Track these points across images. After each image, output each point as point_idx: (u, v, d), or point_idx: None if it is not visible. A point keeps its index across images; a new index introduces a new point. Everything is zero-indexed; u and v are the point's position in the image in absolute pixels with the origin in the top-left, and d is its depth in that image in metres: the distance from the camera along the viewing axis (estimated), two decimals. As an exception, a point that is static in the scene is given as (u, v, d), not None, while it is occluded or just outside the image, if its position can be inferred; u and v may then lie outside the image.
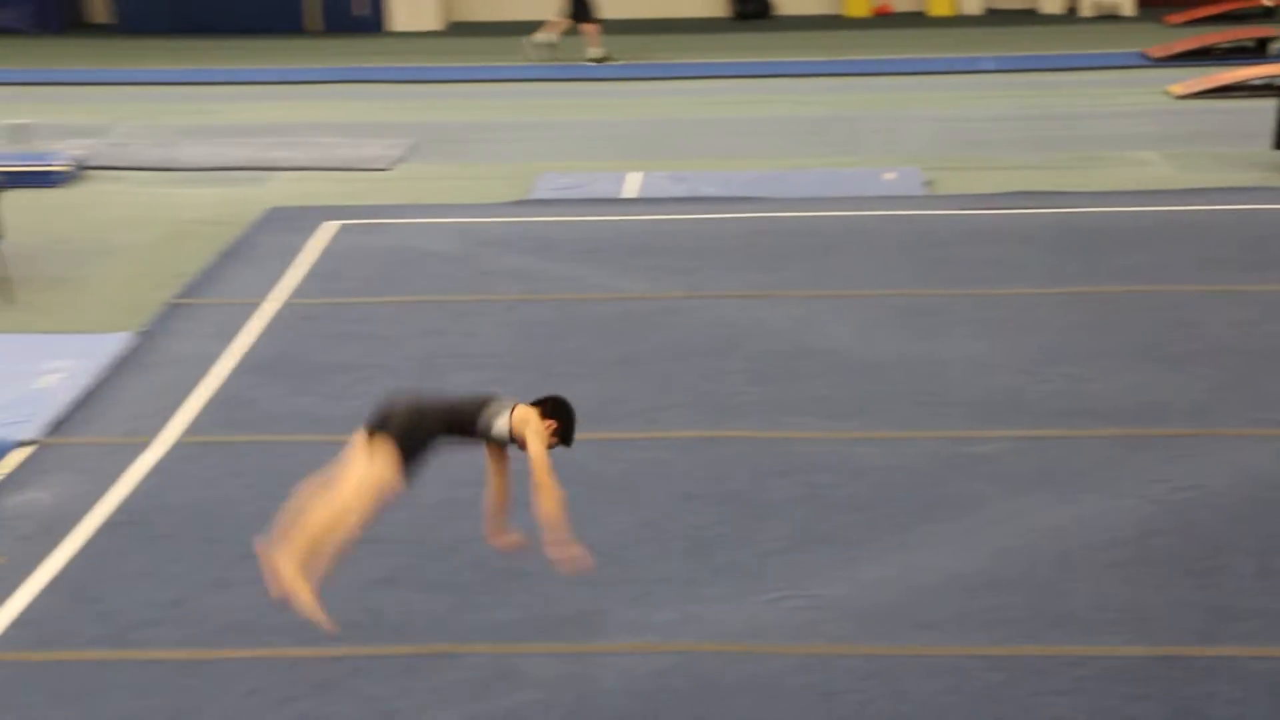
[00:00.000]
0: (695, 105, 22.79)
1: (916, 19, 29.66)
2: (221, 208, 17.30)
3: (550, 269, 14.93)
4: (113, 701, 8.28)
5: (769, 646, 8.66)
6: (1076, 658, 8.47)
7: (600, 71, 25.41)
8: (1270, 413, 11.47)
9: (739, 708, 8.14)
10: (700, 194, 17.45)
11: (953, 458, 10.87)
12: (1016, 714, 8.03)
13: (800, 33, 28.44)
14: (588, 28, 25.80)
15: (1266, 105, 19.82)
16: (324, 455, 10.66)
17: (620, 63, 25.73)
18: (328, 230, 16.24)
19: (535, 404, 8.01)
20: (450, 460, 8.60)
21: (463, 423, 7.92)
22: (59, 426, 11.65)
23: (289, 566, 7.84)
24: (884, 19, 29.92)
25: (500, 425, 7.91)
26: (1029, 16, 29.59)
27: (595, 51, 25.80)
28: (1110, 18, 29.23)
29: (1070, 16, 29.62)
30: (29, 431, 11.49)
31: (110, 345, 13.08)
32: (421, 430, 7.85)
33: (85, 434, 11.57)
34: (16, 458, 11.17)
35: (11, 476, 10.90)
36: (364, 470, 7.79)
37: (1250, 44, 24.88)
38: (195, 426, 11.63)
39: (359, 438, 7.89)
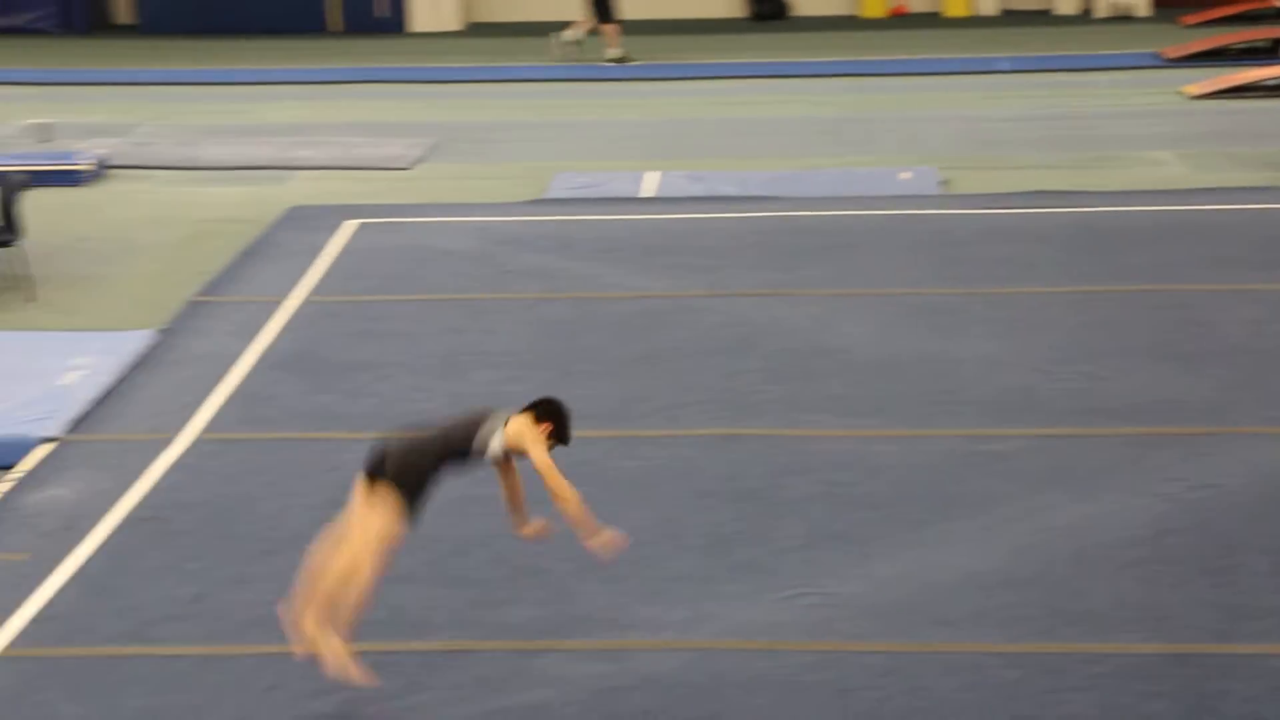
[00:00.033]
0: (712, 105, 22.82)
1: (932, 19, 29.64)
2: (243, 206, 17.37)
3: (569, 267, 14.98)
4: (132, 697, 8.33)
5: (785, 643, 8.69)
6: (1093, 655, 8.50)
7: (618, 72, 25.45)
8: (1285, 412, 11.51)
9: (755, 704, 8.18)
10: (718, 193, 17.49)
11: (969, 456, 10.90)
12: (1033, 711, 8.06)
13: (816, 33, 28.43)
14: (607, 28, 25.84)
15: (1282, 105, 19.86)
16: (344, 452, 10.80)
17: (638, 63, 25.76)
18: (348, 229, 16.30)
19: (526, 410, 8.05)
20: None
21: (459, 449, 7.95)
22: (81, 423, 11.72)
23: (312, 627, 7.95)
24: (900, 19, 29.89)
25: (495, 445, 7.95)
26: (1044, 17, 29.55)
27: (614, 52, 25.83)
28: (1125, 18, 29.19)
29: (1085, 17, 29.58)
30: (51, 428, 11.56)
31: (132, 343, 13.15)
32: (419, 468, 7.89)
33: (107, 431, 11.64)
34: (39, 454, 11.24)
35: (34, 473, 10.96)
36: (368, 525, 7.83)
37: (1265, 44, 24.82)
38: (216, 423, 11.70)
39: (359, 486, 7.94)
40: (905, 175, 18.06)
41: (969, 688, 8.25)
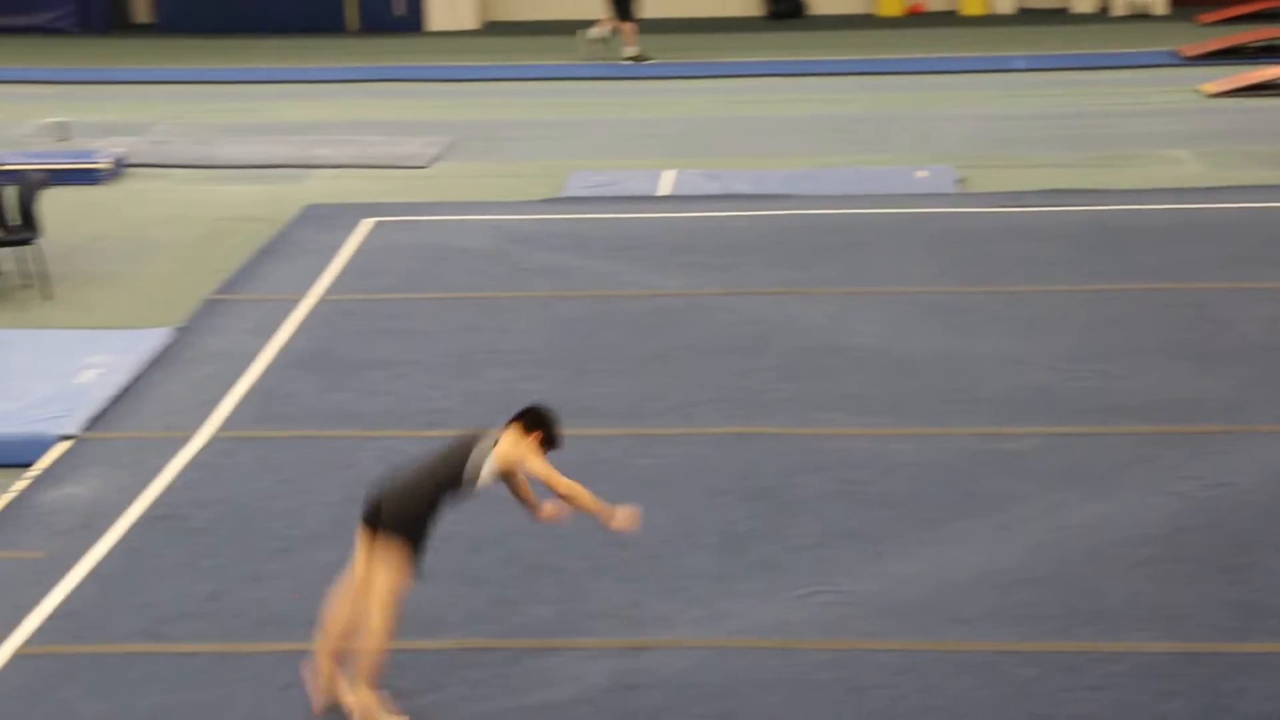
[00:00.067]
0: (728, 104, 22.83)
1: (948, 18, 29.63)
2: (260, 205, 17.41)
3: (585, 266, 15.00)
4: (149, 694, 8.35)
5: (800, 642, 8.70)
6: (1108, 654, 8.50)
7: (635, 70, 25.47)
8: (1301, 410, 11.50)
9: (770, 702, 8.18)
10: (733, 192, 17.49)
11: (984, 454, 10.90)
12: (1048, 710, 8.06)
13: (833, 32, 28.44)
14: (625, 26, 25.86)
15: (1299, 104, 19.83)
16: (360, 450, 10.83)
17: (655, 62, 25.78)
18: (365, 227, 16.33)
19: (512, 422, 8.03)
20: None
21: (450, 483, 7.92)
22: (98, 421, 11.75)
23: (337, 682, 7.98)
24: (916, 18, 29.89)
25: (487, 473, 7.92)
26: (1061, 15, 29.53)
27: (631, 50, 25.85)
28: (1142, 16, 29.16)
29: (1102, 15, 29.55)
30: (68, 426, 11.60)
31: (149, 341, 13.18)
32: (417, 514, 7.85)
33: (124, 429, 11.67)
34: (56, 452, 11.27)
35: (50, 471, 11.00)
36: (376, 582, 7.82)
37: (1282, 43, 24.84)
38: (232, 421, 11.72)
39: (360, 537, 7.94)
40: (921, 174, 18.05)
41: (984, 686, 8.25)
